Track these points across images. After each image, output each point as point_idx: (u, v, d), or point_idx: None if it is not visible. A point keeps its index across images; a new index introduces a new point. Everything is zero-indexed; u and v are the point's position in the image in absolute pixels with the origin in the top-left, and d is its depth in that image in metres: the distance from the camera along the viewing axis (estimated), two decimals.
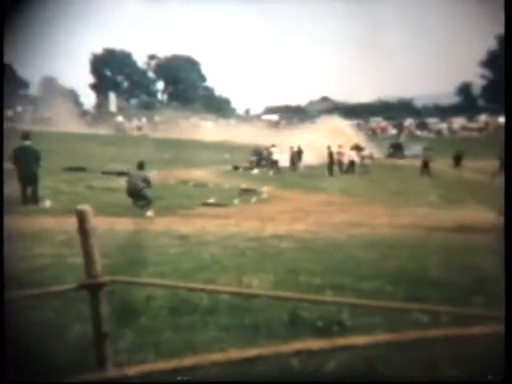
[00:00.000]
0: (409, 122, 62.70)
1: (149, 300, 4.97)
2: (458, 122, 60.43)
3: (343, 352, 3.55)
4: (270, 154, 31.46)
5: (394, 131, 60.45)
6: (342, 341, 2.12)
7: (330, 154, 29.80)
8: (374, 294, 5.29)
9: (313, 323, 4.48)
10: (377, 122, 64.17)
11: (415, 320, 3.92)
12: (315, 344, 2.03)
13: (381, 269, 6.59)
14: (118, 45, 72.03)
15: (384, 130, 61.18)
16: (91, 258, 2.73)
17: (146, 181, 15.35)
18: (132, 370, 2.08)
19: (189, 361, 1.99)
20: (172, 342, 4.03)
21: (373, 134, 50.00)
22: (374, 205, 17.05)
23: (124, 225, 11.63)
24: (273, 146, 31.65)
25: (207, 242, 9.15)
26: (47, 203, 14.69)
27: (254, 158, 31.87)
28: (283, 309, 4.72)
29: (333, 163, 29.58)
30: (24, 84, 62.83)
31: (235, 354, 2.16)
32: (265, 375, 3.39)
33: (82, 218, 2.73)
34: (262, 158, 31.77)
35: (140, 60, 75.21)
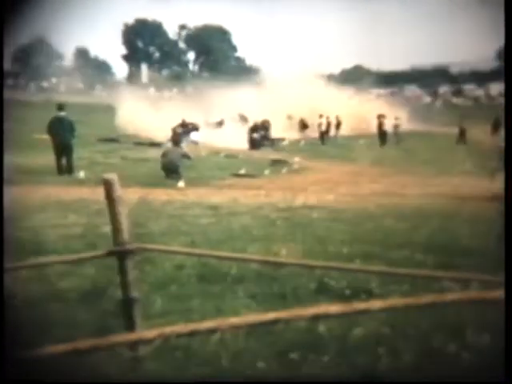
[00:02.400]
0: (444, 89, 61.18)
1: (179, 268, 5.06)
2: (496, 88, 58.67)
3: (368, 319, 3.58)
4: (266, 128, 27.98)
5: (428, 99, 59.16)
6: (360, 305, 2.13)
7: (380, 124, 29.17)
8: (403, 262, 5.25)
9: (340, 292, 4.50)
10: (411, 90, 62.85)
11: (445, 288, 3.90)
12: (333, 309, 2.05)
13: (410, 238, 6.54)
14: (149, 15, 71.77)
15: (419, 98, 59.89)
16: (119, 225, 2.80)
17: (186, 156, 15.55)
18: (153, 333, 2.14)
19: (207, 324, 2.04)
20: (201, 309, 4.11)
21: (407, 103, 49.00)
22: (405, 174, 16.84)
23: (157, 195, 11.80)
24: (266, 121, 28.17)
25: (238, 212, 9.21)
26: (81, 174, 14.98)
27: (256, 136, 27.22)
28: (311, 278, 4.74)
29: (384, 133, 28.83)
30: (58, 56, 63.48)
31: (252, 318, 2.19)
32: (292, 340, 3.44)
33: (108, 186, 2.78)
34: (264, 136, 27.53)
35: (171, 30, 75.03)
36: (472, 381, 2.98)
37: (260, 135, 27.36)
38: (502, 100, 53.16)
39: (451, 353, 3.31)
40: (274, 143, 27.32)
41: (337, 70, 56.16)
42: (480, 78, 63.56)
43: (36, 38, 54.16)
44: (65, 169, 15.04)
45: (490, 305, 2.55)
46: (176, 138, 18.10)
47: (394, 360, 3.21)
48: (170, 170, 15.28)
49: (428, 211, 9.09)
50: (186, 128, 25.18)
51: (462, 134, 26.94)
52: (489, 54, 65.86)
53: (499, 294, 2.21)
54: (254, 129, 27.63)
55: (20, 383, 2.52)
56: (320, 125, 30.59)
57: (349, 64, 70.37)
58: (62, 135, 14.95)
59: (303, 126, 32.52)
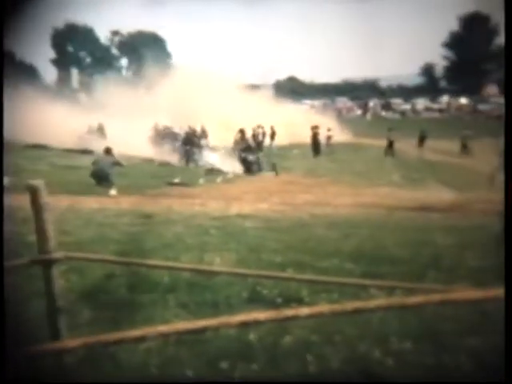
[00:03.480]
0: (374, 102, 63.26)
1: (108, 278, 4.95)
2: (421, 102, 61.28)
3: (299, 328, 3.63)
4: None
5: (359, 111, 60.92)
6: (289, 312, 2.16)
7: (315, 135, 29.65)
8: (334, 271, 5.38)
9: (272, 300, 4.54)
10: (343, 102, 64.55)
11: (372, 295, 4.01)
12: (262, 315, 2.07)
13: (341, 247, 6.70)
14: (80, 20, 69.99)
15: (350, 110, 61.58)
16: (44, 233, 2.70)
17: (118, 164, 15.28)
18: (77, 342, 2.08)
19: (134, 333, 2.00)
20: (130, 319, 4.03)
21: (339, 114, 50.23)
22: (337, 185, 17.25)
23: (87, 203, 11.50)
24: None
25: (171, 220, 9.13)
26: (5, 180, 14.36)
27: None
28: (243, 286, 4.76)
29: (318, 143, 29.27)
30: None
31: (181, 325, 2.18)
32: (222, 349, 3.43)
33: (34, 193, 2.69)
34: None
35: (103, 36, 73.56)
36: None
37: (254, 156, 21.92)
38: (426, 114, 55.59)
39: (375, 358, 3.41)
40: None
41: (271, 81, 56.82)
42: (406, 92, 66.19)
43: None
44: None
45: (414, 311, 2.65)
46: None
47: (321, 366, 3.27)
48: (101, 178, 14.99)
49: (357, 221, 9.35)
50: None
51: (390, 146, 27.91)
52: (414, 69, 68.89)
53: (420, 299, 2.30)
54: (246, 149, 22.55)
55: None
56: (256, 135, 30.80)
57: (283, 75, 71.46)
58: None
59: (242, 136, 32.31)
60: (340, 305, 2.24)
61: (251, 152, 22.04)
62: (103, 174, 14.94)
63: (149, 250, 6.56)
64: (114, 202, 12.35)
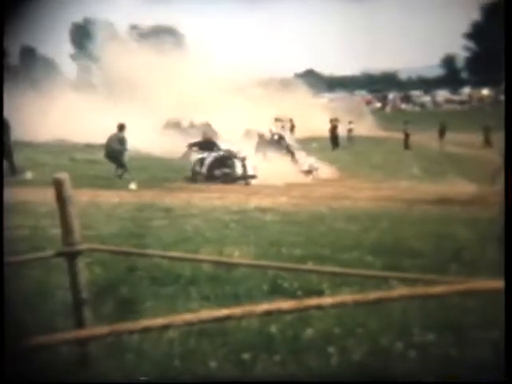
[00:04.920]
0: (393, 94, 62.70)
1: (130, 270, 5.00)
2: (442, 94, 60.57)
3: (320, 320, 3.64)
4: None
5: (378, 104, 60.45)
6: (311, 302, 2.17)
7: (333, 128, 29.51)
8: (354, 263, 5.37)
9: (293, 293, 4.55)
10: (362, 95, 64.07)
11: (392, 288, 4.00)
12: (285, 305, 2.08)
13: (361, 240, 6.68)
14: (99, 15, 70.35)
15: (369, 102, 61.12)
16: (69, 225, 2.74)
17: (122, 141, 15.09)
18: (105, 329, 2.11)
19: (159, 321, 2.03)
20: (153, 311, 4.08)
21: (358, 107, 49.88)
22: (356, 178, 17.17)
23: (107, 197, 11.61)
24: None
25: (191, 214, 9.17)
26: (29, 174, 14.57)
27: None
28: (263, 279, 4.78)
29: (336, 136, 29.12)
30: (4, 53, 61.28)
31: (205, 314, 2.20)
32: (244, 342, 3.46)
33: (59, 186, 2.73)
34: None
35: (122, 30, 73.84)
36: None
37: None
38: (447, 106, 54.94)
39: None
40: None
41: (289, 75, 56.58)
42: (426, 84, 65.49)
43: None
44: (8, 170, 14.46)
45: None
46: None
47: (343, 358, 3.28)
48: (112, 158, 15.09)
49: (377, 214, 9.30)
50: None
51: (406, 138, 27.70)
52: (434, 61, 68.08)
53: (443, 289, 2.30)
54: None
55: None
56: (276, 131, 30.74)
57: (301, 68, 71.09)
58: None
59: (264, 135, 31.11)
60: (363, 295, 2.25)
61: (276, 146, 20.51)
62: (114, 151, 15.01)
63: (169, 243, 6.61)
64: (134, 195, 12.44)
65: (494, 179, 11.82)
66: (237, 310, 2.16)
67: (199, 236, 7.14)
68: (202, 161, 16.26)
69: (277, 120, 29.21)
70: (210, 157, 16.14)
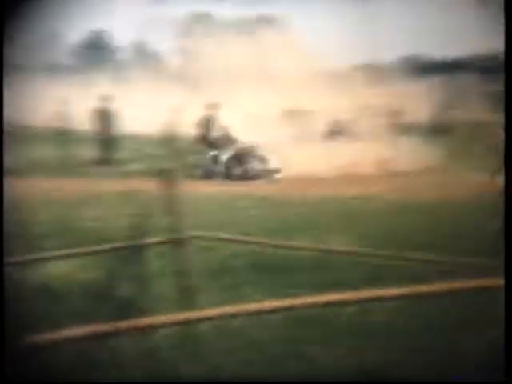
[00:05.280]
0: (499, 76, 59.02)
1: (233, 257, 5.10)
2: None
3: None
4: None
5: (485, 87, 57.10)
6: (421, 288, 2.11)
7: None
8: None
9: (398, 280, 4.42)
10: (466, 78, 60.75)
11: None
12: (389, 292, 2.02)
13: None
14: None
15: (477, 86, 57.90)
16: (176, 214, 2.85)
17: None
18: (214, 311, 2.16)
19: (265, 304, 2.05)
20: (254, 297, 4.14)
21: (462, 92, 47.38)
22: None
23: (207, 188, 11.90)
24: None
25: (286, 203, 9.19)
26: (134, 165, 15.11)
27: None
28: (364, 267, 4.69)
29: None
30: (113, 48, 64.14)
31: (307, 299, 2.20)
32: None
33: (167, 176, 2.84)
34: None
35: None
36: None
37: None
38: None
39: None
40: None
41: (393, 59, 54.74)
42: None
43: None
44: (106, 161, 15.01)
45: None
46: None
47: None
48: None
49: None
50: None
51: None
52: None
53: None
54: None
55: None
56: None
57: (404, 53, 68.62)
58: (106, 127, 15.11)
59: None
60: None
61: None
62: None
63: (269, 230, 6.65)
64: (227, 186, 12.67)
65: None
66: (335, 297, 2.15)
67: (297, 224, 7.14)
68: (215, 158, 16.15)
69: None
70: (225, 154, 15.99)
